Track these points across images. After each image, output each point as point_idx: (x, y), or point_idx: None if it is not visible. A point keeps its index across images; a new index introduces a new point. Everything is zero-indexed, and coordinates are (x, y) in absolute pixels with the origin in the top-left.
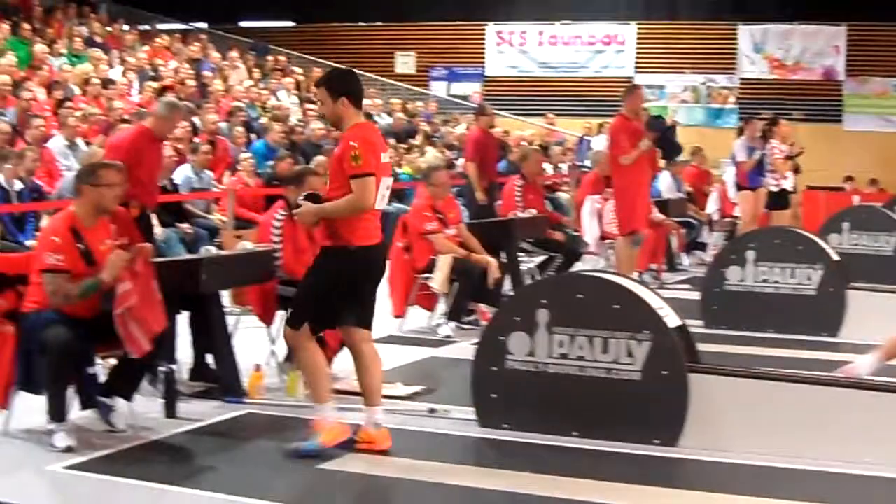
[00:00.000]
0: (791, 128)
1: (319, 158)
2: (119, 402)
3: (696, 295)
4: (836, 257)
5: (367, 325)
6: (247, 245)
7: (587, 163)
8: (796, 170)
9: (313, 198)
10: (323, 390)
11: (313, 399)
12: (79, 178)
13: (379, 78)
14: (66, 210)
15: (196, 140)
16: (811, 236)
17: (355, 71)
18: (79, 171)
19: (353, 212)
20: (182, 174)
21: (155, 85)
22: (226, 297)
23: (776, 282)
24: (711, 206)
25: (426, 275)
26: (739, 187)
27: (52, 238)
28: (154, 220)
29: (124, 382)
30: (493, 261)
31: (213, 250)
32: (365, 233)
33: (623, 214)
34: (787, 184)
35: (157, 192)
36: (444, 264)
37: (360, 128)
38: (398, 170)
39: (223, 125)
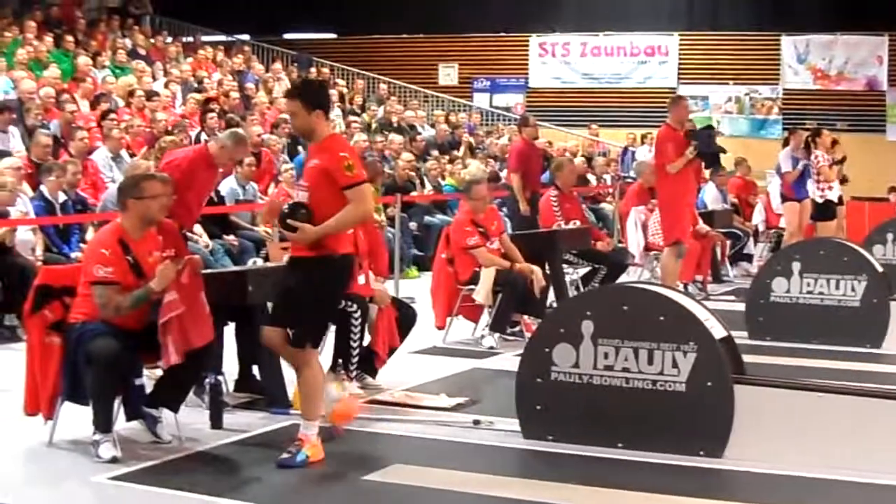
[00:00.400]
0: (834, 137)
1: None
2: (165, 413)
3: (741, 306)
4: (880, 268)
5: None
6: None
7: (631, 173)
8: (843, 180)
9: (298, 208)
10: (319, 409)
11: (307, 416)
12: (122, 192)
13: (422, 90)
14: (113, 223)
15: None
16: (856, 247)
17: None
18: (122, 183)
19: (357, 222)
20: (227, 186)
21: (198, 96)
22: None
23: (821, 293)
24: (756, 217)
25: (470, 286)
26: (784, 198)
27: (101, 251)
28: (201, 230)
29: (171, 393)
30: (536, 268)
31: (259, 262)
32: (346, 240)
33: (667, 225)
34: (833, 194)
35: (199, 213)
36: (487, 277)
37: (337, 139)
38: (441, 181)
39: (267, 137)
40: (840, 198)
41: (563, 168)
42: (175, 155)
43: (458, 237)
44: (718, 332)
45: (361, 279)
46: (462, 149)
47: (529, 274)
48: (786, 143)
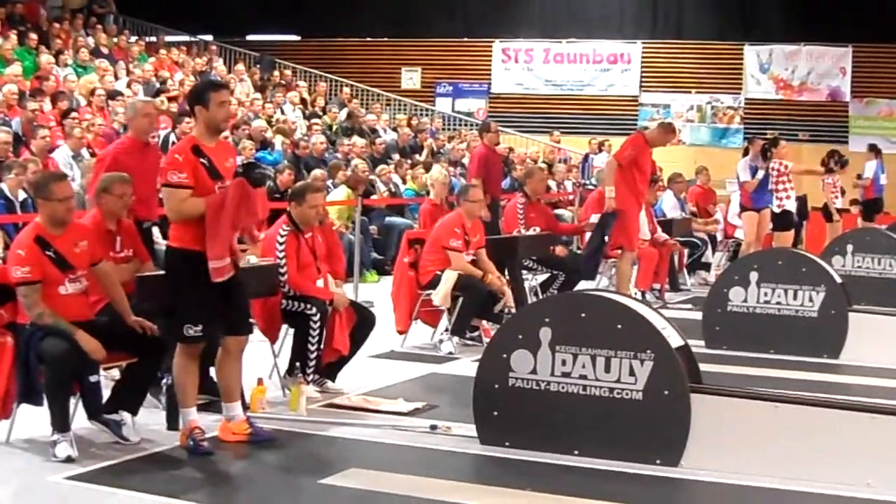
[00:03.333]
0: (791, 147)
1: (317, 172)
2: (126, 415)
3: (698, 315)
4: (838, 279)
5: None
6: (251, 259)
7: (592, 181)
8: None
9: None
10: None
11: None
12: (34, 191)
13: (384, 93)
14: (33, 221)
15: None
16: (814, 258)
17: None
18: (34, 182)
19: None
20: None
21: (160, 97)
22: None
23: (778, 303)
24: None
25: (430, 291)
26: (743, 208)
27: (17, 251)
28: (157, 233)
29: (129, 396)
30: (508, 291)
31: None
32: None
33: (614, 231)
34: (791, 204)
35: (156, 202)
36: (447, 280)
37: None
38: (403, 186)
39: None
40: (802, 209)
41: (534, 176)
42: (104, 150)
43: (443, 234)
44: (675, 340)
45: (320, 282)
46: (424, 153)
47: (499, 290)
48: (745, 152)
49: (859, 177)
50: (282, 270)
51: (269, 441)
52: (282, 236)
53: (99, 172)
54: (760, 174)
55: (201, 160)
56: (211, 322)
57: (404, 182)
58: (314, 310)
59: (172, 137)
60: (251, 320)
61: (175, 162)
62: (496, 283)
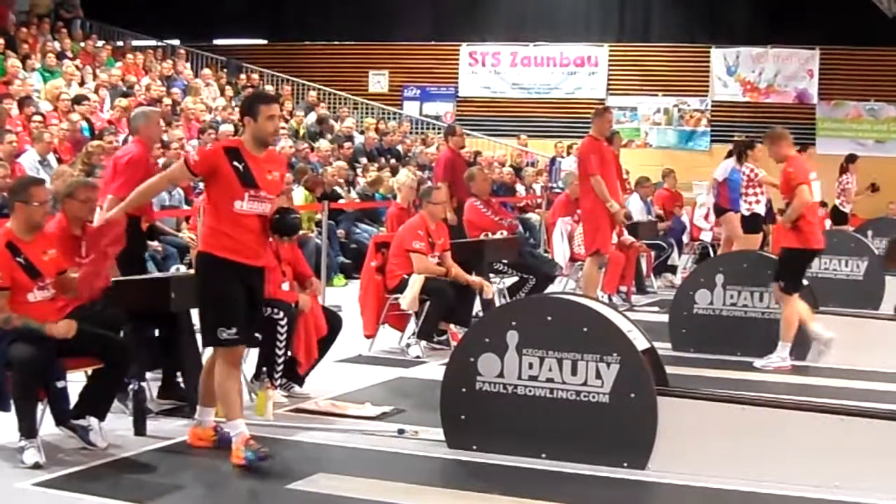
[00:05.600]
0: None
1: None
2: (93, 421)
3: (664, 317)
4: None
5: None
6: None
7: (559, 184)
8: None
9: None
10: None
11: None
12: (12, 195)
13: (352, 97)
14: (3, 228)
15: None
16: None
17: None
18: (12, 186)
19: None
20: None
21: (125, 102)
22: (195, 315)
23: (745, 305)
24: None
25: (397, 295)
26: (722, 210)
27: None
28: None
29: (96, 402)
30: (486, 283)
31: (182, 269)
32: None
33: (588, 235)
34: (760, 208)
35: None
36: (414, 284)
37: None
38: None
39: (194, 142)
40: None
41: (476, 178)
42: (128, 153)
43: (406, 236)
44: (641, 343)
45: (286, 286)
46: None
47: (478, 284)
48: (730, 154)
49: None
50: None
51: (227, 438)
52: None
53: (135, 175)
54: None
55: (234, 163)
56: (243, 324)
57: (371, 186)
58: (281, 314)
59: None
60: (255, 334)
61: (202, 149)
62: (476, 283)
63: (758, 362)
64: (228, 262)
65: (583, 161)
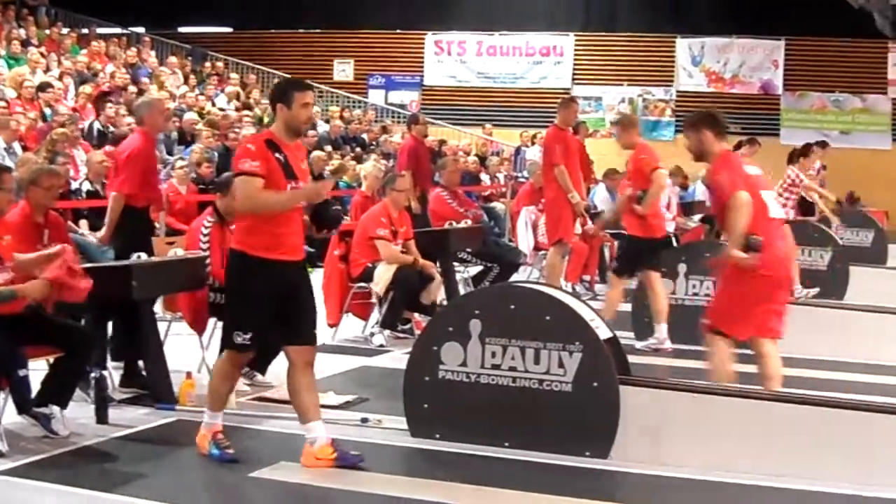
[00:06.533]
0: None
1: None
2: (55, 409)
3: (627, 307)
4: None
5: None
6: (178, 252)
7: (524, 173)
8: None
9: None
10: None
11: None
12: None
13: (317, 85)
14: None
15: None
16: None
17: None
18: None
19: None
20: None
21: (89, 89)
22: (157, 303)
23: (707, 295)
24: None
25: (361, 283)
26: None
27: None
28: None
29: (58, 390)
30: (438, 277)
31: (144, 257)
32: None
33: (551, 224)
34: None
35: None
36: (387, 269)
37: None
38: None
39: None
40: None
41: (448, 166)
42: (131, 145)
43: (369, 224)
44: (603, 332)
45: None
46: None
47: (430, 272)
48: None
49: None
50: (206, 262)
51: (358, 463)
52: (206, 228)
53: (135, 170)
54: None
55: (276, 155)
56: (263, 331)
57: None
58: None
59: (97, 126)
60: (314, 331)
61: (247, 151)
62: (428, 266)
63: (639, 344)
64: (265, 262)
65: (547, 150)
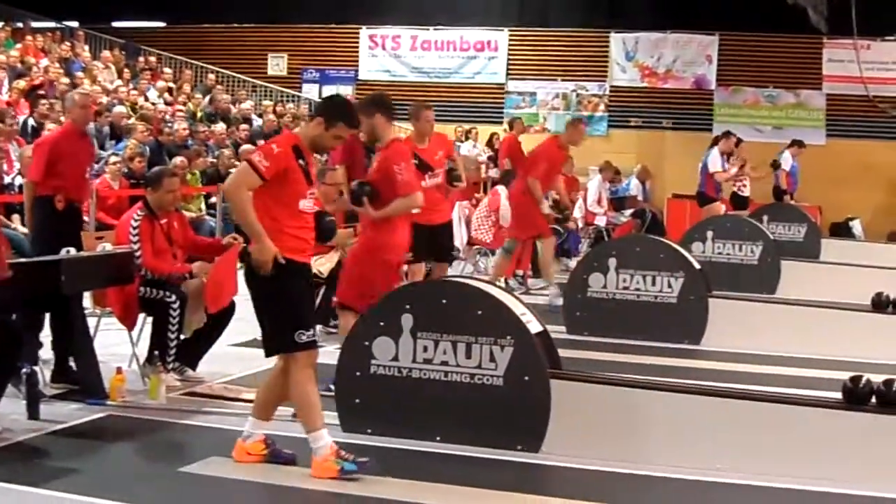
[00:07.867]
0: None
1: (177, 160)
2: None
3: (559, 301)
4: (696, 265)
5: None
6: (107, 247)
7: None
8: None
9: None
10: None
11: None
12: None
13: (251, 80)
14: None
15: None
16: (672, 244)
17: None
18: None
19: None
20: None
21: (23, 84)
22: (87, 298)
23: (637, 289)
24: (576, 213)
25: None
26: (705, 197)
27: None
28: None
29: None
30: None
31: (72, 251)
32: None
33: (526, 221)
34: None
35: (87, 186)
36: (331, 257)
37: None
38: None
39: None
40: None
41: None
42: (43, 137)
43: None
44: (535, 326)
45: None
46: None
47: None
48: (715, 142)
49: (776, 164)
50: (136, 255)
51: (290, 460)
52: (135, 220)
53: (41, 157)
54: (734, 170)
55: (299, 161)
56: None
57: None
58: (173, 297)
59: (31, 122)
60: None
61: (269, 150)
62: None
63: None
64: (295, 263)
65: (533, 160)
